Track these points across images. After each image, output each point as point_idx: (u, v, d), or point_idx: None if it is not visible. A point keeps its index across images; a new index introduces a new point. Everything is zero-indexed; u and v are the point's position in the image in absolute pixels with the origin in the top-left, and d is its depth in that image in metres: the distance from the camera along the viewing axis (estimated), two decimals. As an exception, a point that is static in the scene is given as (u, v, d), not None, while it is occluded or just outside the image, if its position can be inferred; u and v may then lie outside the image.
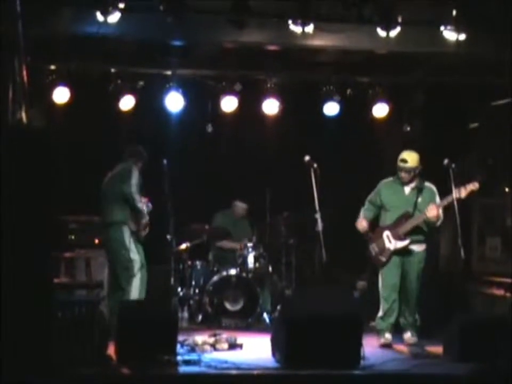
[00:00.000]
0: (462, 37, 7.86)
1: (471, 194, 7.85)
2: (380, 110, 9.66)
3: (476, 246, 9.94)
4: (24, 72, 6.66)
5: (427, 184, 8.17)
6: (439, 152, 8.54)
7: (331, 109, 9.61)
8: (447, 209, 7.96)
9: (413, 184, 8.14)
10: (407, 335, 8.09)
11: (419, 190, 8.13)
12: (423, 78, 9.42)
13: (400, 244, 8.02)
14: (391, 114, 9.74)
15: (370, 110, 9.66)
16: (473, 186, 7.83)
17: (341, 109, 9.59)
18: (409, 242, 8.01)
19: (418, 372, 6.66)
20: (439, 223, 8.04)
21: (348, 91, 9.67)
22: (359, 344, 6.73)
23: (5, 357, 5.54)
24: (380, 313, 8.09)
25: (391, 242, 8.05)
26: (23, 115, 6.54)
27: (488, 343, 6.71)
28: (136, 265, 8.02)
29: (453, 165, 7.81)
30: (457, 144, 9.73)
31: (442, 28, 7.88)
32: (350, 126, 10.09)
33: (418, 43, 8.12)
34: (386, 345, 7.93)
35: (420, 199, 8.08)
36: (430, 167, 8.39)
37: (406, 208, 8.08)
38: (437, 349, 7.50)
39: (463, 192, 7.80)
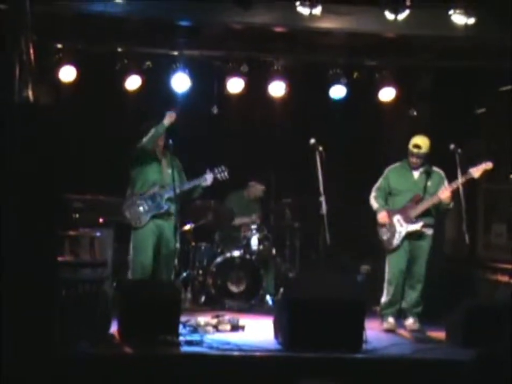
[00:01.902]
0: (471, 20, 7.80)
1: (484, 173, 7.83)
2: (387, 94, 9.60)
3: (481, 232, 9.92)
4: (31, 51, 6.65)
5: (435, 168, 8.17)
6: (446, 136, 8.51)
7: (337, 91, 9.56)
8: (453, 195, 7.95)
9: (421, 169, 8.13)
10: (410, 321, 8.08)
11: (428, 174, 8.12)
12: (430, 62, 9.36)
13: (412, 227, 8.01)
14: (398, 98, 9.69)
15: (377, 93, 9.60)
16: (487, 166, 7.82)
17: (348, 92, 9.54)
18: (422, 226, 8.00)
19: (421, 356, 6.68)
20: (451, 205, 8.03)
21: (355, 74, 9.62)
22: (362, 328, 6.74)
23: (8, 335, 5.56)
24: (385, 299, 8.09)
25: (402, 226, 8.03)
26: (30, 93, 6.53)
27: (492, 329, 6.70)
28: None
29: (459, 150, 7.81)
30: (464, 129, 9.70)
31: (451, 12, 7.83)
32: (356, 109, 10.05)
33: (427, 26, 8.07)
34: (390, 330, 7.95)
35: (429, 183, 8.07)
36: (436, 152, 8.37)
37: (415, 192, 8.06)
38: (440, 334, 7.51)
39: (476, 173, 7.79)
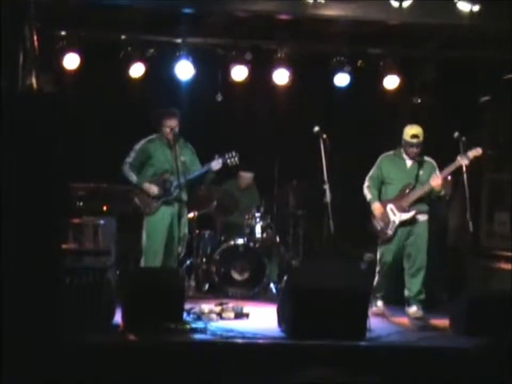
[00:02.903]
0: (476, 8, 7.77)
1: (475, 160, 7.83)
2: (391, 82, 9.59)
3: (485, 221, 9.92)
4: (35, 38, 6.65)
5: (427, 158, 8.23)
6: (450, 125, 8.50)
7: (341, 80, 9.54)
8: (456, 183, 7.96)
9: (416, 158, 8.15)
10: (413, 309, 8.07)
11: (420, 163, 8.16)
12: (435, 50, 9.34)
13: (405, 216, 8.05)
14: (402, 87, 9.67)
15: (381, 81, 9.59)
16: (476, 152, 7.83)
17: (352, 80, 9.52)
18: (415, 213, 8.03)
19: (424, 344, 6.70)
20: (443, 192, 8.08)
21: (359, 62, 9.60)
22: (365, 316, 6.76)
23: (12, 323, 5.57)
24: (375, 285, 8.14)
25: (395, 215, 8.07)
26: (34, 81, 6.54)
27: (495, 317, 6.72)
28: None
29: (463, 138, 7.80)
30: (468, 117, 9.68)
31: (456, -1, 7.81)
32: (360, 98, 10.02)
33: (431, 14, 8.03)
34: (379, 314, 8.01)
35: (421, 172, 8.13)
36: (440, 140, 8.35)
37: (407, 181, 8.11)
38: (444, 322, 7.51)
39: (466, 160, 7.80)
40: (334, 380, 2.72)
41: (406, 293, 8.13)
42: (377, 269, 8.19)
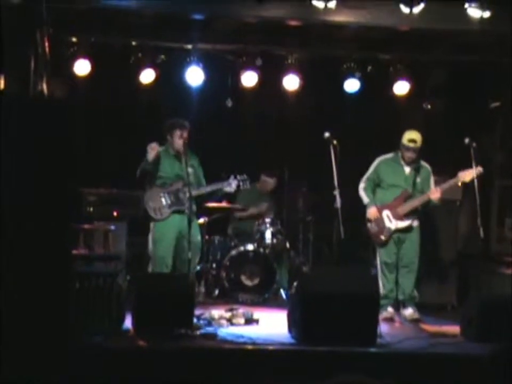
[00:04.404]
0: (486, 14, 7.77)
1: (475, 178, 7.84)
2: (401, 88, 9.57)
3: (495, 226, 9.90)
4: (46, 44, 6.67)
5: (423, 163, 8.27)
6: (460, 130, 8.49)
7: (351, 85, 9.53)
8: (466, 189, 7.96)
9: (413, 164, 8.17)
10: (409, 311, 8.17)
11: (417, 169, 8.20)
12: (445, 55, 9.33)
13: (402, 224, 8.15)
14: (412, 92, 9.66)
15: (391, 87, 9.58)
16: (477, 171, 7.86)
17: (362, 86, 9.52)
18: (411, 222, 8.08)
19: (435, 350, 6.67)
20: (439, 203, 8.15)
21: (369, 68, 9.60)
22: (376, 322, 6.74)
23: (22, 327, 5.58)
24: (381, 291, 8.09)
25: (391, 222, 8.13)
26: (44, 87, 6.56)
27: (506, 323, 6.69)
28: None
29: (474, 144, 7.80)
30: (478, 123, 9.66)
31: (466, 5, 7.79)
32: (370, 103, 10.02)
33: (442, 20, 8.03)
34: (388, 319, 8.00)
35: (418, 179, 8.19)
36: (450, 146, 8.34)
37: (404, 188, 8.17)
38: (454, 329, 7.48)
39: (466, 177, 7.85)
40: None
41: (400, 296, 8.22)
42: (379, 271, 8.21)
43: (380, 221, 8.16)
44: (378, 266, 8.23)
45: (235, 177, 8.56)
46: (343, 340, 6.44)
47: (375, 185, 8.32)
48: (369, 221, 8.23)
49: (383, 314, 7.97)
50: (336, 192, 7.60)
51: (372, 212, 8.21)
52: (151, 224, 8.40)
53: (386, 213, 8.15)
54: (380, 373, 6.07)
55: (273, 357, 6.40)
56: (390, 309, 8.17)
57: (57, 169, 5.86)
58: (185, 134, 8.32)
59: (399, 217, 8.10)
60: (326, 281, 6.90)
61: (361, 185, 8.31)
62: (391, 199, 8.18)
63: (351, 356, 6.33)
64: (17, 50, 6.43)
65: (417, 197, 8.14)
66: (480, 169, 7.84)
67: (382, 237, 8.14)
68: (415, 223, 8.20)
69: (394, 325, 7.91)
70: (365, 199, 8.28)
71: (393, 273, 8.17)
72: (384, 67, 9.58)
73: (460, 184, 8.05)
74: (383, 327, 6.94)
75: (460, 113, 9.81)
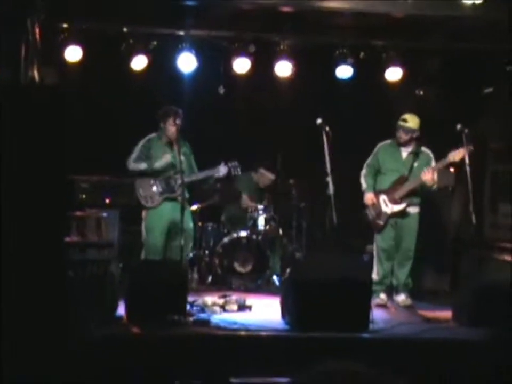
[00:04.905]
0: (479, 1, 7.76)
1: (465, 157, 7.82)
2: (393, 74, 9.55)
3: (488, 212, 9.91)
4: (37, 31, 6.64)
5: (424, 149, 8.24)
6: (453, 116, 8.48)
7: (344, 72, 9.50)
8: (459, 175, 7.96)
9: (409, 149, 8.21)
10: (401, 297, 8.22)
11: (416, 154, 8.21)
12: (438, 42, 9.31)
13: (397, 208, 8.13)
14: (405, 78, 9.65)
15: (384, 73, 9.56)
16: (467, 149, 7.83)
17: (354, 72, 9.50)
18: (406, 206, 8.07)
19: (428, 336, 6.70)
20: (434, 187, 8.14)
21: (362, 54, 9.57)
22: (368, 308, 6.76)
23: (15, 317, 5.57)
24: (375, 277, 8.16)
25: (387, 206, 8.14)
26: (36, 73, 6.53)
27: (498, 309, 6.71)
28: None
29: (466, 130, 7.80)
30: (472, 109, 9.66)
31: (459, -9, 7.79)
32: (363, 89, 10.00)
33: (435, 7, 8.02)
34: (381, 305, 8.03)
35: (416, 164, 8.17)
36: (443, 132, 8.33)
37: (402, 172, 8.17)
38: (447, 314, 7.51)
39: (456, 156, 7.83)
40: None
41: (394, 281, 8.28)
42: (376, 256, 8.25)
43: (377, 206, 8.18)
44: (375, 252, 8.26)
45: (225, 164, 8.57)
46: (336, 326, 6.46)
47: (376, 171, 8.33)
48: (367, 206, 8.24)
49: (376, 301, 8.01)
50: (329, 179, 7.59)
51: (368, 197, 8.25)
52: (144, 212, 8.43)
53: (383, 198, 8.18)
54: (372, 359, 6.08)
55: (266, 343, 6.41)
56: (382, 295, 8.20)
57: (49, 156, 5.84)
58: (178, 121, 8.32)
59: (395, 201, 8.11)
60: (319, 268, 6.91)
61: (362, 172, 8.37)
62: (389, 185, 8.19)
63: (344, 342, 6.35)
64: (8, 37, 6.39)
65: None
66: (470, 147, 7.82)
67: (380, 222, 8.17)
68: (415, 210, 8.20)
69: (386, 311, 7.93)
70: (364, 185, 8.33)
71: (390, 261, 8.19)
72: (377, 53, 9.56)
73: (450, 162, 7.95)
74: (376, 313, 6.95)
75: (453, 99, 9.80)
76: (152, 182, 8.38)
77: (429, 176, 7.95)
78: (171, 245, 8.33)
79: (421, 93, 10.03)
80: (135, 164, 8.39)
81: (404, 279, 8.19)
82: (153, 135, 8.50)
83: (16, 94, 5.87)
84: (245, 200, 9.98)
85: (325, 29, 8.99)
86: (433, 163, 8.15)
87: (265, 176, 10.12)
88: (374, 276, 8.17)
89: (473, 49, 9.14)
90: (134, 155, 8.41)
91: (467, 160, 7.77)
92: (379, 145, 8.40)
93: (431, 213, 9.19)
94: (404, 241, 8.18)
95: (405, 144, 8.19)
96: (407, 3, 7.72)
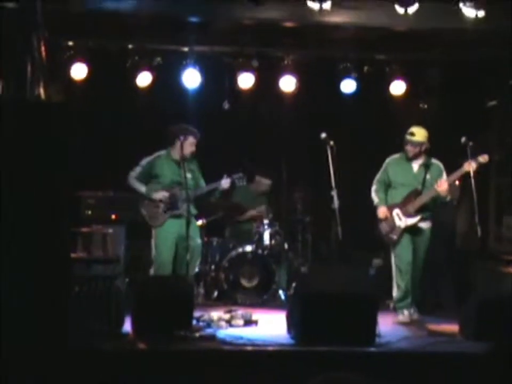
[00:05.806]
0: (481, 13, 7.79)
1: (481, 167, 7.83)
2: (397, 88, 9.60)
3: (493, 225, 9.91)
4: (43, 48, 6.67)
5: (434, 161, 8.21)
6: (457, 130, 8.50)
7: (348, 86, 9.55)
8: (464, 187, 7.95)
9: (420, 161, 8.17)
10: (410, 312, 8.10)
11: (426, 166, 8.16)
12: (441, 55, 9.35)
13: (411, 221, 8.05)
14: (409, 92, 9.68)
15: (388, 87, 9.60)
16: (483, 159, 7.82)
17: (358, 86, 9.54)
18: (420, 219, 8.03)
19: (434, 350, 6.68)
20: (448, 198, 8.08)
21: (365, 68, 9.62)
22: (375, 322, 6.74)
23: (21, 331, 5.59)
24: (397, 293, 8.06)
25: (401, 220, 8.07)
26: (41, 91, 6.56)
27: (504, 322, 6.70)
28: None
29: (471, 143, 7.80)
30: (475, 122, 9.68)
31: (461, 5, 7.80)
32: (367, 104, 10.04)
33: (437, 20, 8.05)
34: (404, 323, 7.95)
35: (428, 176, 8.12)
36: (447, 145, 8.34)
37: (414, 186, 8.12)
38: (453, 328, 7.49)
39: (473, 165, 7.79)
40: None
41: None
42: (396, 272, 8.09)
43: (390, 220, 8.13)
44: (393, 268, 8.13)
45: (228, 176, 8.57)
46: (342, 340, 6.44)
47: (386, 186, 8.29)
48: (380, 221, 8.20)
49: (399, 318, 7.98)
50: (334, 193, 7.61)
51: (381, 211, 8.16)
52: (153, 230, 8.45)
53: (396, 212, 8.10)
54: (379, 373, 6.09)
55: (273, 358, 6.40)
56: (406, 312, 8.05)
57: (55, 172, 5.88)
58: (196, 143, 8.36)
59: (409, 215, 8.03)
60: (325, 282, 6.91)
61: (373, 188, 8.29)
62: (402, 198, 8.15)
63: (350, 356, 6.33)
64: (14, 55, 6.43)
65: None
66: (486, 157, 7.81)
67: (394, 236, 8.07)
68: (426, 225, 8.14)
69: (392, 324, 7.91)
70: (375, 200, 8.24)
71: (409, 273, 8.03)
72: (380, 67, 9.60)
73: (465, 172, 7.89)
74: (382, 327, 6.94)
75: (457, 112, 9.82)
76: (156, 202, 8.41)
77: (443, 186, 7.91)
78: (180, 261, 8.34)
79: (425, 106, 10.05)
80: (135, 182, 8.42)
81: (414, 294, 8.12)
82: (162, 152, 8.52)
83: (22, 112, 5.91)
84: (250, 212, 9.99)
85: (328, 44, 9.03)
86: (444, 174, 8.13)
87: (262, 183, 10.16)
88: (394, 294, 8.11)
89: (476, 61, 9.17)
90: (137, 171, 8.43)
91: (456, 173, 7.83)
92: (388, 160, 8.36)
93: (436, 224, 9.20)
94: (417, 257, 8.10)
95: (414, 157, 8.15)
96: (409, 16, 7.74)
